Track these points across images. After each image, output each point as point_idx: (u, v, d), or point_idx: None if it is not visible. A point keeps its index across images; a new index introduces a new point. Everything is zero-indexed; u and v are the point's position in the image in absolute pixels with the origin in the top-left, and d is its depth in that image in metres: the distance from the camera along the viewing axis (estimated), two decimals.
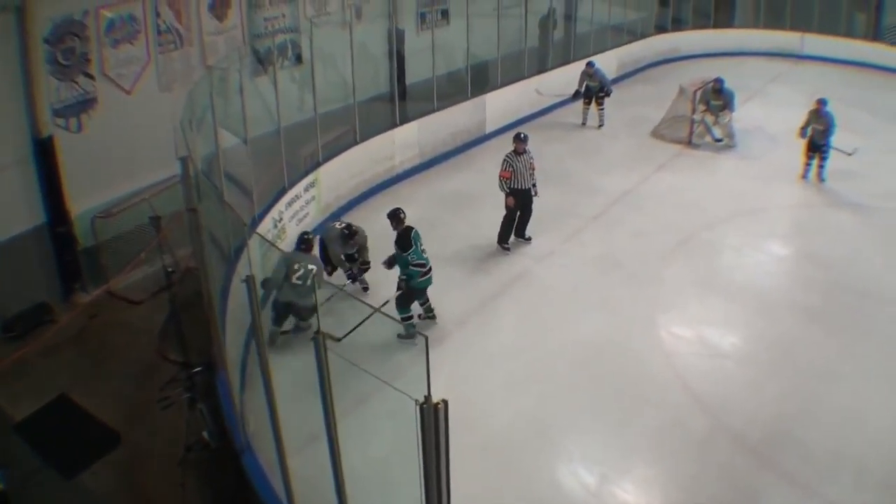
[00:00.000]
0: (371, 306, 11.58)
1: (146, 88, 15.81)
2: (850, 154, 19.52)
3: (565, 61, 27.13)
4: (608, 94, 24.23)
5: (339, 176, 17.98)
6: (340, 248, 14.13)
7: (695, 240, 16.89)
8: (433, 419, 5.99)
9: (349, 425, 8.37)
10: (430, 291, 13.54)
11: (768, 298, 14.70)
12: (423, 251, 13.11)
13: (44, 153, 14.03)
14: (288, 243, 15.23)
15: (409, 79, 22.81)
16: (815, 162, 19.79)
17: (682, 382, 12.29)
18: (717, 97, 22.10)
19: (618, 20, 30.19)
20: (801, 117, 19.85)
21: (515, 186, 15.96)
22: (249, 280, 8.24)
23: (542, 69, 26.13)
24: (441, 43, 21.41)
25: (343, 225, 14.46)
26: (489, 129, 23.08)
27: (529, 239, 16.72)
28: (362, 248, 14.52)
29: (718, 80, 22.21)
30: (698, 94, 22.38)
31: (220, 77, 14.68)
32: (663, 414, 11.63)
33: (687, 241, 16.81)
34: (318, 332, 6.68)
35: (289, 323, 13.26)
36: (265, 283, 12.87)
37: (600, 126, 24.32)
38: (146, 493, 10.72)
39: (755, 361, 12.98)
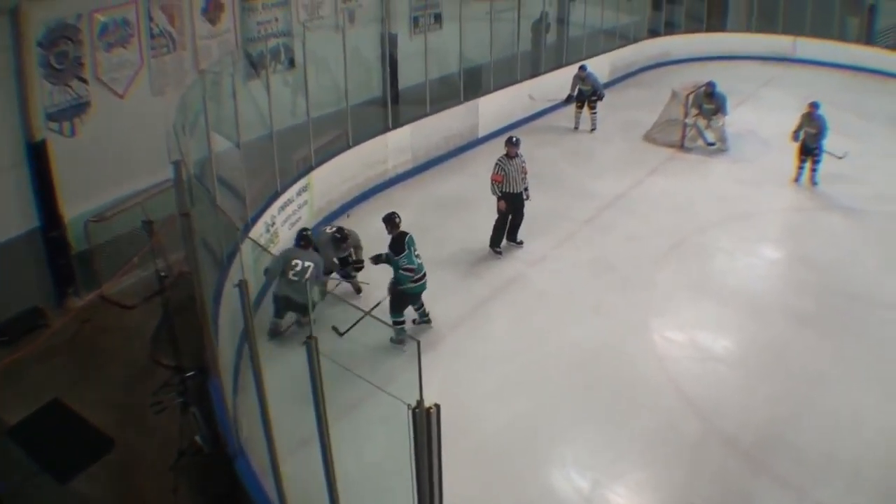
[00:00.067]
0: (362, 310, 11.68)
1: (139, 92, 15.77)
2: (840, 157, 19.58)
3: (558, 65, 27.16)
4: (600, 98, 24.26)
5: (331, 180, 17.98)
6: (333, 252, 14.14)
7: (687, 243, 16.93)
8: (425, 424, 6.00)
9: (342, 430, 8.37)
10: (424, 295, 13.54)
11: (761, 302, 14.73)
12: (417, 257, 13.12)
13: (37, 157, 13.97)
14: (280, 248, 15.23)
15: (402, 83, 22.76)
16: (808, 165, 19.85)
17: (674, 386, 12.31)
18: (710, 101, 22.15)
19: (610, 24, 30.21)
20: (793, 121, 19.91)
21: (507, 190, 15.98)
22: (242, 285, 8.24)
23: (534, 73, 26.12)
24: (434, 47, 21.44)
25: (334, 229, 14.46)
26: (482, 133, 23.08)
27: (521, 243, 16.73)
28: (356, 248, 14.55)
29: (710, 84, 22.28)
30: (690, 97, 22.44)
31: (212, 81, 14.68)
32: (656, 418, 11.64)
33: (679, 244, 16.84)
34: (309, 336, 6.68)
35: (289, 318, 13.30)
36: (266, 271, 13.20)
37: (592, 130, 24.35)
38: (139, 498, 10.69)
39: (748, 365, 13.02)
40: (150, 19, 15.83)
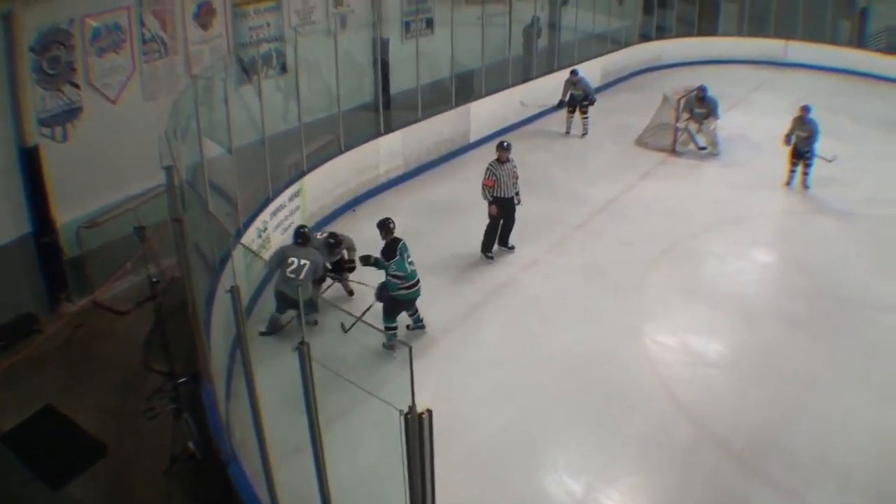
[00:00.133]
0: (353, 315, 11.67)
1: (131, 98, 15.76)
2: (830, 161, 19.62)
3: (549, 70, 27.19)
4: (592, 103, 24.27)
5: (323, 185, 17.97)
6: (326, 257, 14.14)
7: (679, 248, 16.95)
8: (417, 429, 6.01)
9: (335, 435, 8.39)
10: (417, 301, 13.54)
11: (753, 306, 14.75)
12: (410, 263, 13.11)
13: (29, 163, 13.96)
14: (268, 258, 15.26)
15: (394, 88, 22.78)
16: (800, 169, 19.90)
17: (667, 390, 12.32)
18: (701, 105, 22.20)
19: (602, 29, 30.25)
20: (784, 125, 19.96)
21: (498, 195, 15.99)
22: (234, 291, 8.24)
23: (526, 78, 26.13)
24: (426, 52, 21.46)
25: (326, 234, 14.48)
26: (474, 138, 23.10)
27: (512, 248, 16.75)
28: (350, 250, 14.55)
29: (701, 89, 22.32)
30: (682, 102, 22.49)
31: (204, 86, 14.66)
32: (649, 422, 11.65)
33: (671, 249, 16.86)
34: (301, 342, 6.69)
35: (290, 314, 13.32)
36: (267, 263, 13.43)
37: (584, 135, 24.37)
38: None
39: (740, 369, 13.04)
40: (143, 24, 15.83)
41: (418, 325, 13.76)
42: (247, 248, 13.47)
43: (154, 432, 11.05)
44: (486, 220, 16.26)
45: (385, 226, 13.37)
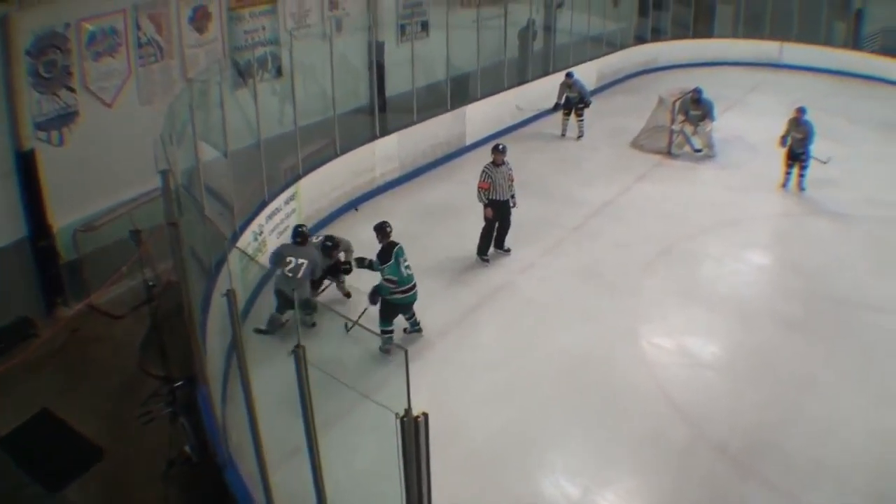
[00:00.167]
0: (349, 318, 11.68)
1: (127, 101, 15.78)
2: (825, 162, 19.64)
3: (545, 72, 27.24)
4: (587, 105, 24.30)
5: (319, 189, 17.96)
6: (322, 260, 14.13)
7: (675, 250, 16.97)
8: (413, 432, 6.02)
9: (332, 438, 8.38)
10: (414, 304, 13.56)
11: (749, 308, 14.77)
12: (407, 268, 13.11)
13: (26, 166, 13.96)
14: (268, 257, 15.25)
15: (390, 91, 22.83)
16: (795, 171, 19.92)
17: (663, 392, 12.33)
18: (696, 107, 22.23)
19: (597, 31, 30.27)
20: (780, 126, 19.98)
21: (494, 198, 16.00)
22: (230, 294, 8.24)
23: (521, 81, 26.19)
24: (421, 55, 21.48)
25: (322, 238, 14.46)
26: (469, 140, 23.10)
27: (508, 250, 16.75)
28: (347, 252, 14.54)
29: (696, 91, 22.36)
30: (677, 104, 22.49)
31: (200, 90, 14.66)
32: (645, 424, 11.65)
33: (667, 251, 16.88)
34: (297, 345, 6.69)
35: (289, 313, 13.34)
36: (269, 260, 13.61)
37: (579, 137, 24.38)
38: None
39: (736, 371, 13.05)
40: (138, 28, 15.86)
41: (415, 328, 13.76)
42: (243, 251, 13.48)
43: (150, 436, 11.01)
44: (482, 223, 16.27)
45: (382, 229, 13.37)
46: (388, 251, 13.00)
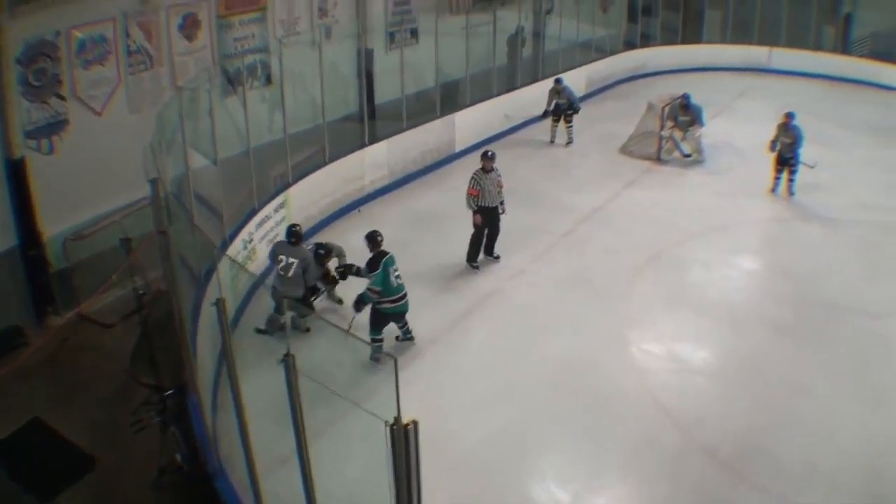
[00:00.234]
0: (339, 327, 11.68)
1: (117, 110, 15.77)
2: (812, 167, 19.72)
3: (534, 79, 27.28)
4: (576, 111, 24.33)
5: (309, 196, 17.97)
6: (315, 267, 14.12)
7: (665, 256, 17.00)
8: (403, 440, 6.03)
9: (322, 447, 8.38)
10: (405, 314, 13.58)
11: (739, 313, 14.81)
12: (397, 277, 13.11)
13: (16, 175, 13.94)
14: (258, 264, 15.27)
15: (379, 98, 22.81)
16: (785, 176, 19.97)
17: (653, 398, 12.35)
18: (685, 113, 22.30)
19: (586, 37, 30.30)
20: (769, 131, 20.01)
21: (483, 204, 16.04)
22: (219, 303, 8.24)
23: (511, 87, 26.23)
24: (410, 62, 21.48)
25: (312, 246, 14.43)
26: (459, 147, 23.13)
27: (498, 257, 16.77)
28: (340, 257, 14.52)
29: (685, 96, 22.43)
30: (666, 110, 22.54)
31: (189, 98, 14.65)
32: (635, 430, 11.68)
33: (657, 257, 16.91)
34: (287, 354, 6.69)
35: (287, 316, 13.32)
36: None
37: (568, 143, 24.40)
38: None
39: (726, 376, 13.09)
40: (128, 36, 15.85)
41: (407, 336, 13.76)
42: (232, 259, 13.49)
43: (141, 444, 11.00)
44: (472, 230, 16.29)
45: (373, 238, 13.36)
46: (377, 260, 12.99)
